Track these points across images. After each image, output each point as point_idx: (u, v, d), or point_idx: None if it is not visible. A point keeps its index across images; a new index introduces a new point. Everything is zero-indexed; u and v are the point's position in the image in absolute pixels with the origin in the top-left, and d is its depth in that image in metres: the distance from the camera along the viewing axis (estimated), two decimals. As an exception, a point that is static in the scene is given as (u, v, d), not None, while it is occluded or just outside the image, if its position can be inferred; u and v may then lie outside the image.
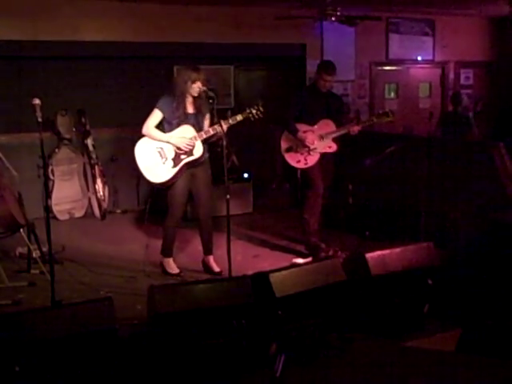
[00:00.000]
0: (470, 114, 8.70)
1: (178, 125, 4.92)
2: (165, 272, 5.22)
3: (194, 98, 4.95)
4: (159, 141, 4.92)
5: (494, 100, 9.94)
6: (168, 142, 4.91)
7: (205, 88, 4.87)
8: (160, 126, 4.99)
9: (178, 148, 4.90)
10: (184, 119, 4.93)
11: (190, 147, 4.91)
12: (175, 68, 7.45)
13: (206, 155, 5.11)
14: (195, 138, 4.91)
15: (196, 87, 4.86)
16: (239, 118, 4.92)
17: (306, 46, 8.15)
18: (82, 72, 7.34)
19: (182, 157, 4.93)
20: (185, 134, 4.91)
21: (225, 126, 4.79)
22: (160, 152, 4.93)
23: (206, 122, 5.04)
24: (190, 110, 4.99)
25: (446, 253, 4.97)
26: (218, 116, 4.85)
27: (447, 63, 9.58)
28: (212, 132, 4.91)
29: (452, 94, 8.69)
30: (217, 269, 5.20)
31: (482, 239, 5.17)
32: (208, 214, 5.19)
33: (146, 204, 6.84)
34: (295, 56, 8.22)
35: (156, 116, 4.93)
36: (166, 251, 5.24)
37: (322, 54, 7.92)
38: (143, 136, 4.96)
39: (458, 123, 8.11)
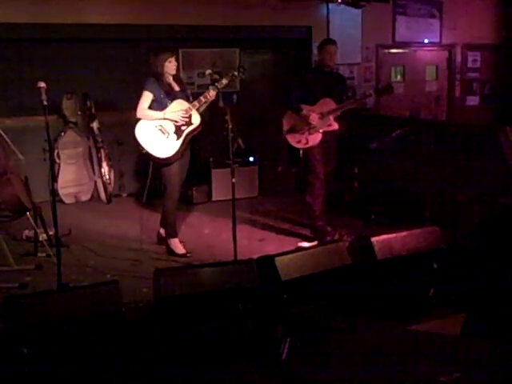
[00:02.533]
0: None
1: (169, 101, 5.08)
2: (171, 253, 5.25)
3: (174, 76, 5.18)
4: (156, 119, 5.05)
5: (501, 83, 9.87)
6: (164, 119, 5.05)
7: (210, 71, 5.08)
8: (151, 107, 5.11)
9: (176, 121, 5.06)
10: (173, 96, 5.11)
11: (187, 118, 5.08)
12: (180, 50, 7.44)
13: None
14: (189, 108, 5.08)
15: (171, 65, 5.10)
16: (224, 81, 5.08)
17: (312, 29, 8.08)
18: (87, 55, 7.30)
19: (183, 128, 5.10)
20: (179, 107, 5.08)
21: (214, 92, 5.03)
22: (161, 129, 5.07)
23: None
24: (176, 87, 5.19)
25: (452, 237, 4.97)
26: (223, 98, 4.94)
27: (454, 46, 9.49)
28: (203, 100, 5.08)
29: None
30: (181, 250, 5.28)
31: (488, 223, 5.17)
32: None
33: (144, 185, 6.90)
34: (301, 38, 8.15)
35: (147, 97, 5.08)
36: (171, 232, 5.30)
37: (327, 37, 7.84)
38: (138, 120, 5.09)
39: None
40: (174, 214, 5.33)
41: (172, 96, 5.10)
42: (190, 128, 5.11)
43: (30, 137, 6.65)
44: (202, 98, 5.09)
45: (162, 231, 5.43)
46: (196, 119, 5.12)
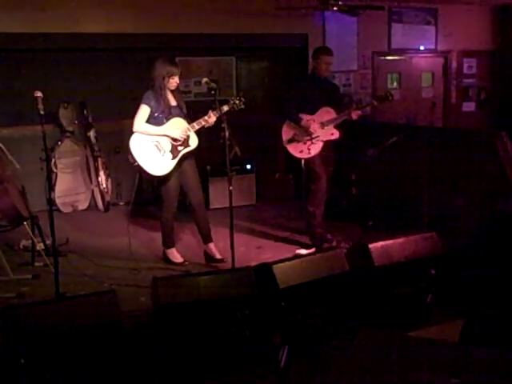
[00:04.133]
0: None
1: (165, 118, 4.95)
2: (169, 262, 5.24)
3: (172, 91, 5.01)
4: (155, 135, 4.94)
5: (497, 89, 9.90)
6: (165, 135, 4.94)
7: (206, 79, 4.92)
8: (147, 122, 5.00)
9: (174, 140, 4.95)
10: (169, 112, 4.98)
11: (186, 138, 4.98)
12: (177, 59, 7.45)
13: None
14: (188, 129, 4.97)
15: (173, 82, 4.94)
16: (225, 108, 4.95)
17: (308, 37, 8.10)
18: (83, 64, 7.32)
19: (180, 148, 4.99)
20: (178, 126, 4.97)
21: (214, 117, 4.91)
22: (157, 145, 4.96)
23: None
24: (173, 102, 5.04)
25: (450, 242, 4.97)
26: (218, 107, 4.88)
27: (450, 52, 9.53)
28: (203, 123, 4.95)
29: None
30: (219, 255, 5.21)
31: (485, 228, 5.17)
32: (200, 200, 5.23)
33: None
34: (297, 46, 8.17)
35: (144, 111, 4.94)
36: (168, 242, 5.29)
37: (324, 44, 7.87)
38: (133, 133, 4.97)
39: None
40: (171, 225, 5.26)
41: (168, 112, 4.97)
42: (187, 149, 5.00)
43: (27, 146, 6.65)
44: (202, 120, 4.94)
45: (208, 248, 5.26)
46: (194, 141, 5.02)
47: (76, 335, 3.36)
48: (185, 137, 4.97)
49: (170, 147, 4.97)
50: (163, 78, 4.90)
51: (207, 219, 5.27)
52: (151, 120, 4.96)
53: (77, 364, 3.35)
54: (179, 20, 7.28)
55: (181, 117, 5.01)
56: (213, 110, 4.91)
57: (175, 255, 5.28)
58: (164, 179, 5.04)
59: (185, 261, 5.24)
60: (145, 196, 7.09)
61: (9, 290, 4.60)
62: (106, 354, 3.43)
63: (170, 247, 5.29)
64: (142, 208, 6.94)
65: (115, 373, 3.43)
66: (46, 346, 3.29)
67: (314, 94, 5.59)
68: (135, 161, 4.93)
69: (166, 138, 4.96)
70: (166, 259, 5.28)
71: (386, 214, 6.15)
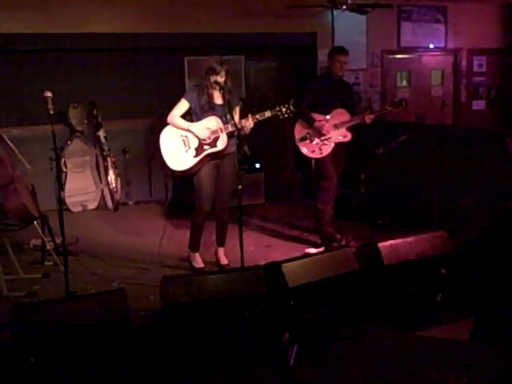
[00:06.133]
0: None
1: (205, 115, 4.86)
2: (191, 266, 5.17)
3: (221, 88, 4.81)
4: (180, 129, 4.88)
5: (507, 87, 9.84)
6: (188, 131, 4.86)
7: (218, 79, 4.80)
8: (188, 117, 4.95)
9: (200, 138, 4.85)
10: (210, 110, 4.87)
11: (212, 138, 4.84)
12: (186, 59, 7.49)
13: (233, 148, 5.01)
14: (220, 129, 4.84)
15: (213, 80, 4.82)
16: (268, 114, 4.84)
17: (317, 35, 8.09)
18: (93, 64, 7.35)
19: (205, 147, 4.86)
20: (209, 125, 4.85)
21: (252, 121, 4.79)
22: (184, 140, 4.88)
23: (236, 116, 4.89)
24: (219, 101, 4.90)
25: (460, 241, 4.94)
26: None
27: (460, 50, 9.47)
28: (239, 126, 4.75)
29: None
30: (224, 261, 5.19)
31: (495, 227, 5.14)
32: (224, 207, 5.13)
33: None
34: (306, 45, 8.16)
35: (182, 105, 4.88)
36: (193, 246, 5.19)
37: (333, 43, 7.84)
38: (167, 124, 4.93)
39: None
40: (201, 229, 5.12)
41: (208, 109, 4.85)
42: (212, 150, 4.84)
43: (37, 146, 6.69)
44: (237, 123, 4.73)
45: (217, 251, 5.27)
46: (222, 143, 4.83)
47: (85, 334, 3.38)
48: (209, 137, 4.83)
49: (196, 144, 4.87)
50: (205, 74, 4.84)
51: (226, 226, 5.20)
52: (193, 116, 4.90)
53: (86, 362, 3.36)
54: (188, 19, 7.29)
55: (219, 116, 4.85)
56: (253, 114, 4.81)
57: (197, 260, 5.19)
58: (199, 179, 4.94)
59: (205, 267, 5.15)
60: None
61: (19, 289, 4.63)
62: (115, 352, 3.44)
63: (194, 251, 5.20)
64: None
65: (124, 371, 3.44)
66: (56, 345, 3.30)
67: (328, 93, 5.59)
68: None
69: (193, 134, 4.87)
70: (189, 264, 5.21)
71: (396, 213, 6.14)
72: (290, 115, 4.90)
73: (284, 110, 4.86)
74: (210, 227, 5.24)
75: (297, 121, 5.62)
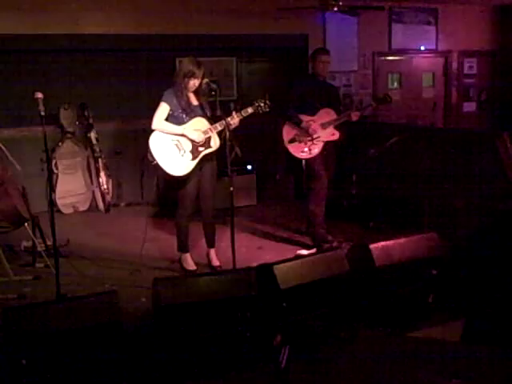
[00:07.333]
0: None
1: (186, 117, 4.86)
2: (182, 268, 5.17)
3: (194, 91, 4.90)
4: (173, 134, 4.83)
5: (498, 89, 9.90)
6: (182, 135, 4.83)
7: (207, 80, 4.85)
8: (167, 120, 4.91)
9: (194, 141, 4.85)
10: (190, 111, 4.88)
11: (207, 139, 4.87)
12: (177, 60, 7.46)
13: None
14: (210, 130, 4.85)
15: (192, 84, 4.84)
16: (250, 110, 4.86)
17: (309, 37, 8.11)
18: (84, 65, 7.33)
19: (200, 149, 4.87)
20: (198, 126, 4.85)
21: (237, 119, 4.81)
22: (177, 145, 4.84)
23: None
24: (194, 102, 4.95)
25: (451, 243, 4.96)
26: (220, 108, 4.86)
27: (450, 52, 9.53)
28: (226, 124, 4.75)
29: None
30: (215, 262, 5.19)
31: (485, 229, 5.17)
32: (210, 207, 5.14)
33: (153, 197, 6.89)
34: (298, 47, 8.18)
35: (164, 109, 4.84)
36: (182, 247, 5.20)
37: (324, 45, 7.86)
38: (153, 131, 4.86)
39: None
40: (186, 230, 5.14)
41: (189, 111, 4.87)
42: (208, 150, 4.88)
43: (28, 147, 6.67)
44: (224, 122, 4.73)
45: (208, 252, 5.25)
46: (215, 142, 4.89)
47: (77, 336, 3.36)
48: (204, 139, 4.84)
49: (190, 147, 4.85)
50: (183, 77, 4.82)
51: (213, 226, 5.21)
52: (171, 119, 4.86)
53: (77, 364, 3.35)
54: (179, 21, 7.29)
55: (203, 117, 4.90)
56: (236, 111, 4.84)
57: (188, 261, 5.19)
58: (182, 180, 4.93)
59: (197, 269, 5.13)
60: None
61: (10, 291, 4.62)
62: (106, 354, 3.43)
63: (184, 252, 5.21)
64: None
65: (116, 373, 3.43)
66: (47, 347, 3.29)
67: (314, 94, 5.63)
68: (154, 159, 4.80)
69: (187, 138, 4.85)
70: (180, 265, 5.20)
71: (387, 215, 6.15)
72: (267, 110, 4.91)
73: (262, 104, 4.89)
74: (200, 229, 5.23)
75: (285, 124, 5.64)
